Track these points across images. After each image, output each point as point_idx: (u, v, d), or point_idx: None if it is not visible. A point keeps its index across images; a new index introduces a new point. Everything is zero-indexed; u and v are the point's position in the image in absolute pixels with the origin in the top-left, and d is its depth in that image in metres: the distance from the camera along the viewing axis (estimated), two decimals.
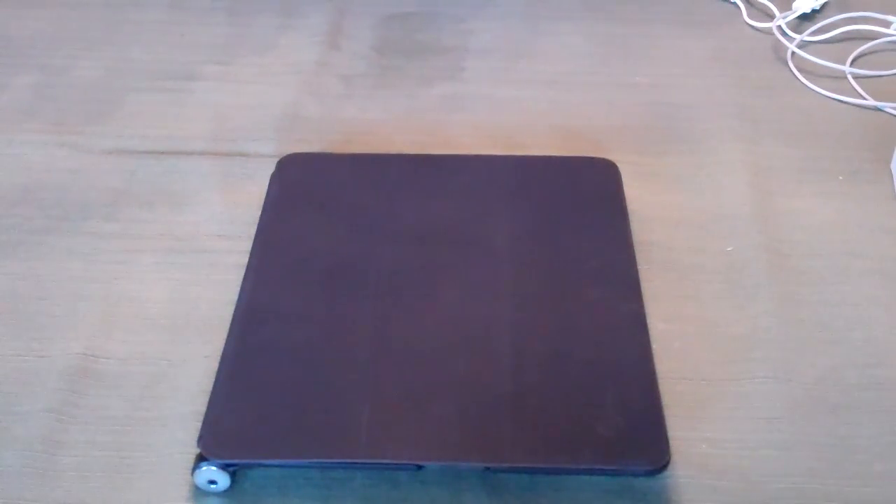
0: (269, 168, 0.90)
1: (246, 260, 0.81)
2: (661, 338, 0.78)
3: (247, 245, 0.83)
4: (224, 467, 0.67)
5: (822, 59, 1.09)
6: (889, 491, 0.68)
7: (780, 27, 1.15)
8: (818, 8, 1.18)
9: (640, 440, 0.66)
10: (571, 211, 0.84)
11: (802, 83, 1.07)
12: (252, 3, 1.21)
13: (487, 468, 0.67)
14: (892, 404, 0.74)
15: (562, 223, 0.83)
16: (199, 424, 0.68)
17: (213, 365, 0.74)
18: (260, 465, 0.69)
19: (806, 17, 1.17)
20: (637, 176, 0.94)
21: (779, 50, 1.13)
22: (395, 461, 0.66)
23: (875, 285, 0.83)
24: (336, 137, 0.99)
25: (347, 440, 0.66)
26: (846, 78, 1.07)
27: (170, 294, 0.82)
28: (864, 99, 1.04)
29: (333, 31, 1.16)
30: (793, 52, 1.11)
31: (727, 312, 0.81)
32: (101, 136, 1.00)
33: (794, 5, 1.18)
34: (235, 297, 0.78)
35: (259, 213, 0.85)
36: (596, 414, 0.68)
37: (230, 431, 0.67)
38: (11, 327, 0.80)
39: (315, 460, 0.66)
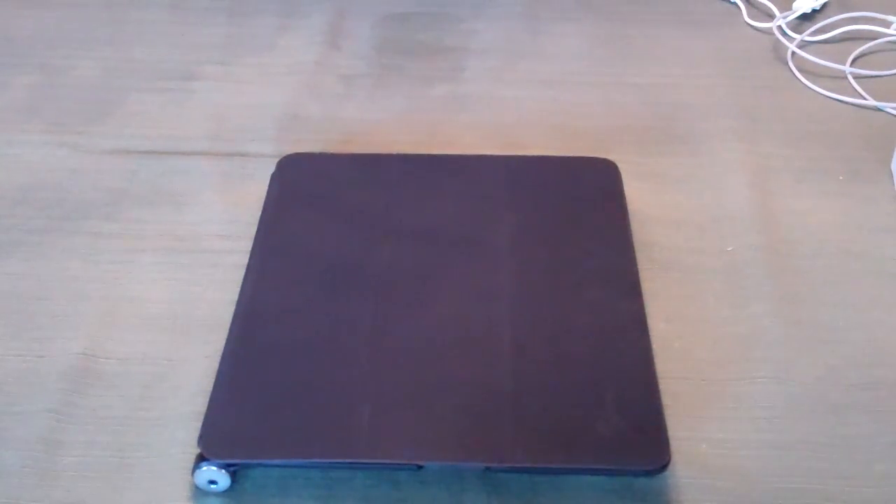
0: (269, 168, 0.90)
1: (246, 260, 0.81)
2: (661, 338, 0.78)
3: (247, 245, 0.83)
4: (224, 467, 0.67)
5: (822, 59, 1.09)
6: (889, 491, 0.68)
7: (780, 27, 1.15)
8: (818, 8, 1.18)
9: (640, 440, 0.66)
10: (571, 211, 0.84)
11: (802, 83, 1.07)
12: (252, 3, 1.21)
13: (488, 468, 0.67)
14: (892, 404, 0.74)
15: (562, 223, 0.83)
16: (199, 424, 0.68)
17: (213, 365, 0.74)
18: (260, 465, 0.69)
19: (806, 17, 1.17)
20: (637, 176, 0.94)
21: (779, 50, 1.13)
22: (395, 461, 0.66)
23: (875, 285, 0.83)
24: (336, 137, 0.99)
25: (348, 440, 0.66)
26: (846, 78, 1.07)
27: (170, 294, 0.82)
28: (864, 99, 1.04)
29: (333, 31, 1.16)
30: (793, 52, 1.11)
31: (727, 312, 0.81)
32: (101, 136, 1.00)
33: (794, 5, 1.18)
34: (235, 297, 0.78)
35: (259, 213, 0.85)
36: (596, 414, 0.68)
37: (230, 431, 0.67)
38: (11, 327, 0.80)
39: (315, 460, 0.66)
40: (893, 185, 0.93)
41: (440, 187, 0.86)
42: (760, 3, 1.20)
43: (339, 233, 0.82)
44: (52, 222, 0.89)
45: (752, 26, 1.17)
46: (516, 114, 1.03)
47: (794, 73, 1.08)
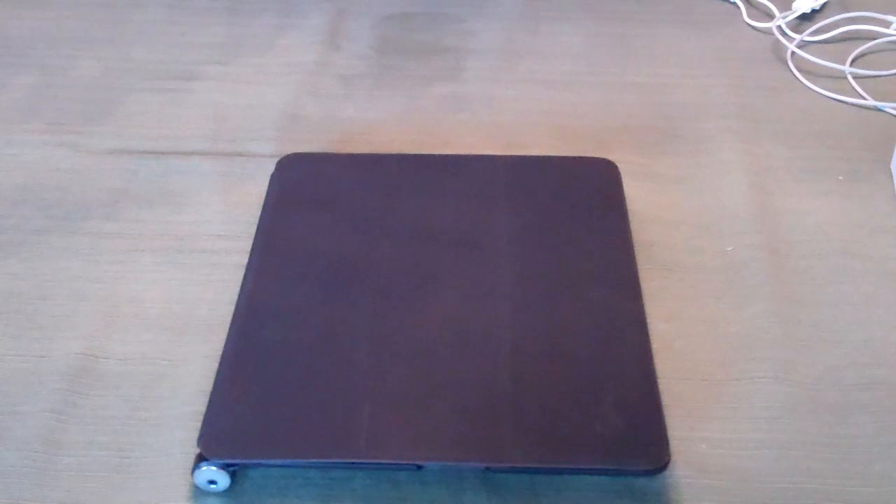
0: (269, 168, 0.90)
1: (246, 260, 0.81)
2: (661, 338, 0.78)
3: (247, 245, 0.83)
4: (224, 467, 0.67)
5: (822, 59, 1.09)
6: (889, 491, 0.68)
7: (780, 27, 1.15)
8: (818, 8, 1.18)
9: (640, 440, 0.66)
10: (571, 211, 0.84)
11: (802, 83, 1.07)
12: (252, 3, 1.21)
13: (488, 468, 0.67)
14: (892, 404, 0.74)
15: (562, 223, 0.83)
16: (199, 424, 0.68)
17: (213, 365, 0.74)
18: (260, 465, 0.69)
19: (806, 17, 1.17)
20: (637, 176, 0.94)
21: (779, 50, 1.13)
22: (395, 461, 0.66)
23: (875, 285, 0.83)
24: (336, 137, 0.99)
25: (347, 440, 0.66)
26: (846, 78, 1.07)
27: (170, 294, 0.82)
28: (864, 99, 1.04)
29: (333, 31, 1.16)
30: (793, 52, 1.11)
31: (727, 312, 0.81)
32: (101, 136, 1.00)
33: (794, 5, 1.18)
34: (235, 297, 0.78)
35: (259, 213, 0.85)
36: (596, 414, 0.68)
37: (230, 431, 0.67)
38: (11, 327, 0.80)
39: (315, 460, 0.67)
40: (893, 185, 0.93)
41: (440, 187, 0.86)
42: (760, 3, 1.20)
43: (339, 233, 0.82)
44: (52, 222, 0.89)
45: (751, 26, 1.17)
46: (516, 114, 1.03)
47: (793, 73, 1.08)
